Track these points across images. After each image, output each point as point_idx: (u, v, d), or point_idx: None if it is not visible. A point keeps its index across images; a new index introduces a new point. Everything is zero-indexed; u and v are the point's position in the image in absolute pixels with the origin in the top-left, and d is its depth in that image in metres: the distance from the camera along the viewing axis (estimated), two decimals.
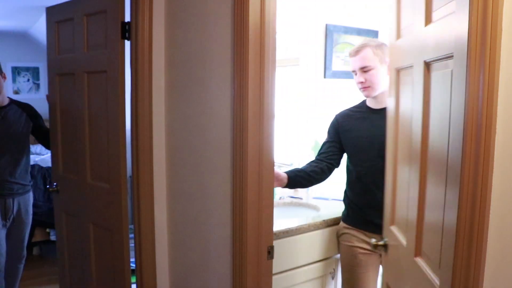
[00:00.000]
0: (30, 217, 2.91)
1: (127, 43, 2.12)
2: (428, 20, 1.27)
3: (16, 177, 2.75)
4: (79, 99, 2.40)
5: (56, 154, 2.65)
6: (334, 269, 2.31)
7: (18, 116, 2.75)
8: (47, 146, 2.83)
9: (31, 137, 2.87)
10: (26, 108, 2.83)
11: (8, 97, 2.80)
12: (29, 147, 2.87)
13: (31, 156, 5.11)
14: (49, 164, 4.35)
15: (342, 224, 2.23)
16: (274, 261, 1.76)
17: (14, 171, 2.72)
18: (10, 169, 2.70)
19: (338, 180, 3.05)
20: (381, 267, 2.07)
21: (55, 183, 2.68)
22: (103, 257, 2.40)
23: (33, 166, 4.10)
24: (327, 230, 2.26)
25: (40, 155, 5.28)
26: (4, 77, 2.73)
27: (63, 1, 2.45)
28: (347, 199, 2.22)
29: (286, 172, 2.13)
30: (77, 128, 2.44)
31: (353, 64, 2.07)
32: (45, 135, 2.79)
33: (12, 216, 2.76)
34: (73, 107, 2.47)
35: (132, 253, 2.27)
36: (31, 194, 2.92)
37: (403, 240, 1.46)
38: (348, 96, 3.05)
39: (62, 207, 2.69)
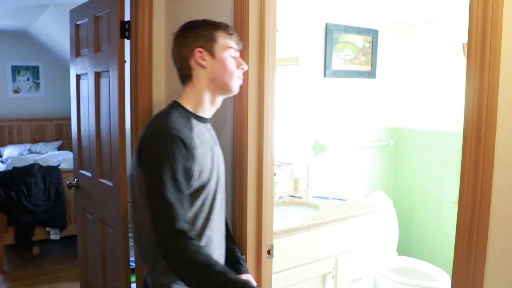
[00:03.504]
0: None
1: (128, 43, 2.13)
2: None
3: None
4: (91, 99, 2.45)
5: (78, 151, 2.69)
6: (334, 268, 2.31)
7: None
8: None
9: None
10: None
11: None
12: None
13: (31, 155, 5.15)
14: (49, 163, 4.37)
15: None
16: (274, 260, 1.76)
17: None
18: None
19: (337, 178, 3.06)
20: None
21: (75, 179, 2.74)
22: (109, 255, 2.42)
23: (33, 165, 4.10)
24: (327, 229, 2.26)
25: (40, 154, 5.28)
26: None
27: (63, 0, 2.46)
28: None
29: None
30: (89, 127, 2.49)
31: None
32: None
33: None
34: (87, 106, 2.53)
35: (132, 252, 2.27)
36: None
37: None
38: (348, 96, 3.06)
39: (79, 202, 2.76)
